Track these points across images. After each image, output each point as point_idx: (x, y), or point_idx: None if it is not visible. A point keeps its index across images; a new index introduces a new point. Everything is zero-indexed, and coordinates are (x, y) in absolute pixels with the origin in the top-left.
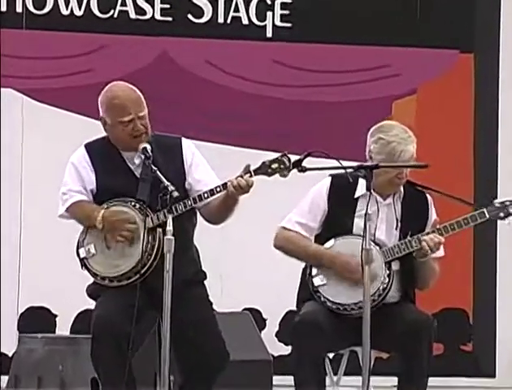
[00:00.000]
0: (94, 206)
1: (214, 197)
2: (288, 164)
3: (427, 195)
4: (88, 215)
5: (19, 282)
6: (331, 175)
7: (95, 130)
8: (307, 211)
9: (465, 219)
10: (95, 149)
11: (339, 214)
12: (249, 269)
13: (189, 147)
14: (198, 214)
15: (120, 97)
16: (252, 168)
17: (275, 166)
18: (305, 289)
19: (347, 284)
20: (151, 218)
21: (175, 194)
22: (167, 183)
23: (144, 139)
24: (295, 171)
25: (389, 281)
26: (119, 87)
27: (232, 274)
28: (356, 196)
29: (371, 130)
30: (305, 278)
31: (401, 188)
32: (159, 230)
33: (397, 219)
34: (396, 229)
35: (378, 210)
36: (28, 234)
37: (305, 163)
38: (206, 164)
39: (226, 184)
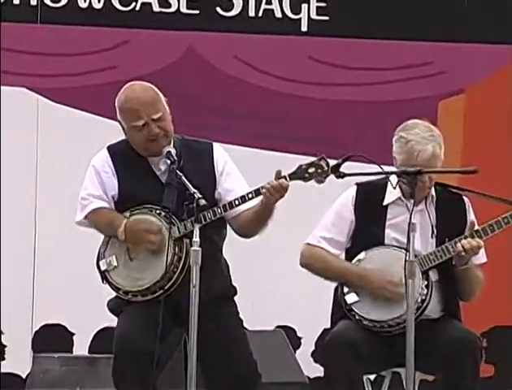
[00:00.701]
0: (116, 214)
1: (245, 205)
2: (325, 168)
3: (464, 197)
4: (109, 224)
5: (34, 297)
6: (357, 183)
7: (116, 133)
8: (332, 224)
9: (505, 218)
10: (118, 153)
11: (368, 225)
12: (282, 283)
13: (221, 154)
14: (228, 226)
15: (131, 101)
16: (287, 173)
17: (311, 170)
18: (339, 309)
19: (382, 301)
20: (177, 228)
21: (202, 202)
22: (193, 190)
23: (163, 141)
24: (333, 177)
25: (428, 292)
26: (132, 89)
27: (264, 289)
28: (385, 203)
29: (397, 129)
30: (338, 296)
31: (433, 192)
32: (186, 241)
33: (432, 226)
34: (431, 237)
35: (410, 218)
36: (43, 243)
37: (343, 168)
38: (238, 173)
39: (258, 190)
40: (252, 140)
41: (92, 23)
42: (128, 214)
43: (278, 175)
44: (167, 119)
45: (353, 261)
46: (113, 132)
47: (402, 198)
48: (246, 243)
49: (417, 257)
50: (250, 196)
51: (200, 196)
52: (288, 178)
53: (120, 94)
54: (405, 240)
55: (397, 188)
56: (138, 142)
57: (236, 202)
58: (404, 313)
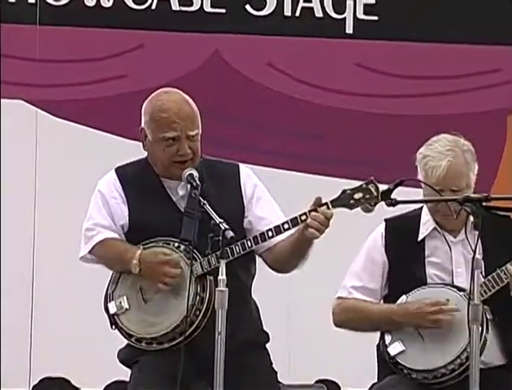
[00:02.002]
0: (128, 245)
1: (280, 236)
2: (375, 194)
3: None
4: (120, 256)
5: (31, 346)
6: (385, 219)
7: (127, 152)
8: (363, 270)
9: None
10: (129, 175)
11: (404, 265)
12: (323, 330)
13: (249, 176)
14: (259, 259)
15: (169, 110)
16: (329, 199)
17: (358, 196)
18: (385, 364)
19: (431, 344)
20: (200, 263)
21: (230, 234)
22: (219, 220)
23: (188, 165)
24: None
25: (483, 333)
26: (171, 96)
27: (303, 335)
28: (420, 238)
29: None
30: (381, 352)
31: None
32: (210, 278)
33: (475, 257)
34: (476, 269)
35: (450, 251)
36: (42, 280)
37: (395, 194)
38: (270, 198)
39: (296, 219)
40: (286, 160)
41: (100, 25)
42: (140, 247)
43: (318, 203)
44: (198, 140)
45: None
46: (123, 151)
47: (438, 229)
48: (279, 280)
49: (463, 292)
50: (286, 226)
51: (226, 226)
52: (330, 205)
53: (154, 99)
54: (448, 278)
55: (430, 218)
56: (162, 159)
57: (270, 234)
58: (459, 354)
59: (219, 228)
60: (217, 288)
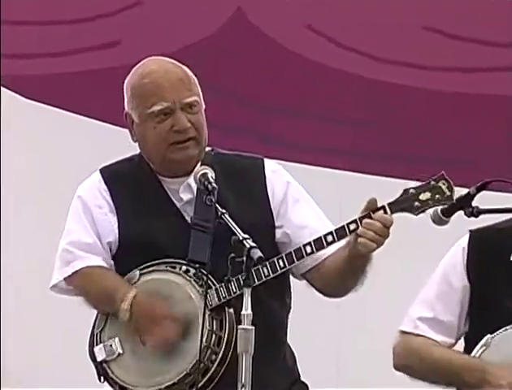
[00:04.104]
0: (118, 281)
1: (325, 251)
2: (447, 193)
3: None
4: (106, 295)
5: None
6: (470, 230)
7: (119, 144)
8: (435, 297)
9: None
10: (118, 176)
11: (493, 292)
12: (383, 376)
13: (278, 173)
14: (297, 285)
15: (153, 74)
16: (387, 202)
17: (425, 196)
18: None
19: None
20: (216, 291)
21: (257, 254)
22: (242, 235)
23: (192, 148)
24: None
25: None
26: (155, 61)
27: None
28: None
29: None
30: None
31: None
32: (229, 311)
33: None
34: None
35: None
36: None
37: (477, 201)
38: (310, 200)
39: (343, 228)
40: (325, 155)
41: None
42: (137, 273)
43: (372, 206)
44: (201, 113)
45: (475, 350)
46: (113, 142)
47: None
48: (331, 307)
49: None
50: (330, 239)
51: (253, 244)
52: (388, 209)
53: (134, 70)
54: None
55: None
56: (154, 143)
57: (308, 249)
58: None
59: (242, 246)
60: (240, 327)
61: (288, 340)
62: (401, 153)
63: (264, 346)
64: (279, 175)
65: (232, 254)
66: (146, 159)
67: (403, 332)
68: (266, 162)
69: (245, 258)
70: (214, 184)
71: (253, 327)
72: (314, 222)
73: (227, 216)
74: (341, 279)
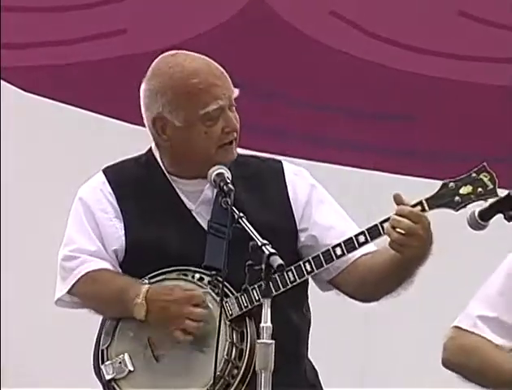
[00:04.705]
0: (128, 280)
1: (356, 253)
2: (490, 186)
3: None
4: (117, 296)
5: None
6: None
7: (125, 142)
8: (498, 295)
9: None
10: (124, 179)
11: None
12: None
13: (300, 176)
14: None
15: (201, 72)
16: (424, 197)
17: (466, 190)
18: None
19: None
20: (237, 300)
21: (278, 262)
22: (261, 240)
23: (235, 149)
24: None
25: None
26: (187, 56)
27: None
28: None
29: None
30: None
31: None
32: (249, 323)
33: None
34: None
35: None
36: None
37: None
38: (334, 202)
39: (376, 227)
40: (354, 154)
41: None
42: (146, 281)
43: (399, 201)
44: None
45: None
46: (119, 139)
47: None
48: (357, 319)
49: None
50: (362, 239)
51: (272, 250)
52: (426, 205)
53: (166, 69)
54: None
55: None
56: (203, 147)
57: (338, 251)
58: None
59: (261, 253)
60: (259, 341)
61: (312, 355)
62: (442, 152)
63: (283, 362)
64: (301, 178)
65: (250, 261)
66: (162, 162)
67: (458, 328)
68: (286, 164)
69: (263, 266)
70: (230, 186)
71: (274, 341)
72: (341, 223)
73: (244, 220)
74: (381, 280)
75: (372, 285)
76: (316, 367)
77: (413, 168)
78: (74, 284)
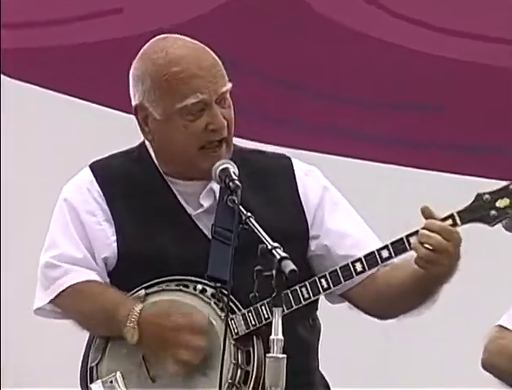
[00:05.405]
0: (119, 296)
1: (376, 269)
2: None
3: None
4: (106, 315)
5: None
6: None
7: (121, 132)
8: None
9: None
10: (114, 176)
11: None
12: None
13: (311, 175)
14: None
15: (184, 60)
16: (456, 210)
17: (503, 203)
18: None
19: None
20: (243, 317)
21: (290, 267)
22: (271, 243)
23: (225, 154)
24: None
25: None
26: (176, 41)
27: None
28: None
29: None
30: None
31: None
32: (256, 342)
33: None
34: None
35: None
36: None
37: None
38: (349, 206)
39: (401, 241)
40: (381, 148)
41: None
42: (142, 293)
43: (427, 213)
44: (232, 107)
45: None
46: (114, 129)
47: None
48: (376, 333)
49: None
50: (386, 255)
51: (284, 254)
52: (458, 219)
53: (151, 52)
54: None
55: None
56: (182, 144)
57: (359, 267)
58: None
59: (271, 257)
60: (269, 355)
61: (327, 370)
62: (475, 145)
63: (294, 378)
64: (313, 178)
65: (259, 267)
66: (156, 160)
67: (501, 327)
68: (295, 161)
69: (274, 272)
70: (237, 182)
71: (285, 356)
72: (357, 231)
73: (253, 220)
74: (400, 297)
75: (389, 301)
76: (329, 382)
77: (443, 163)
78: (57, 296)
